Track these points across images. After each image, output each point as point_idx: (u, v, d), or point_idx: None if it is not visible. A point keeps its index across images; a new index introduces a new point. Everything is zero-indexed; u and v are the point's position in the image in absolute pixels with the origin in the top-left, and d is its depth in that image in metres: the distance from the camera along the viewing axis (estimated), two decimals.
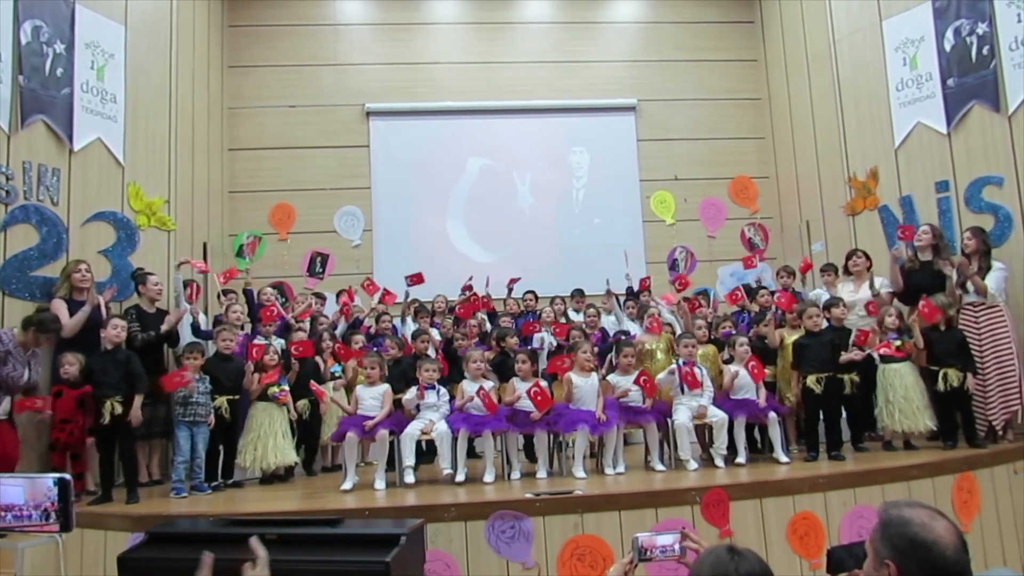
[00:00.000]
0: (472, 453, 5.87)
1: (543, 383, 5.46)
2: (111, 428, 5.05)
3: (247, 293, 6.97)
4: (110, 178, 6.31)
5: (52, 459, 5.25)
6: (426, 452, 5.92)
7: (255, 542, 2.24)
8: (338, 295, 7.50)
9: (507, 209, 9.39)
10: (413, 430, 5.29)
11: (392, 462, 5.35)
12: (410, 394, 5.47)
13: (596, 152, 9.58)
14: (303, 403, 6.01)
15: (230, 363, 5.71)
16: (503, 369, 6.11)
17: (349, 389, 6.07)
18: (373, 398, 5.45)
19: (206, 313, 7.08)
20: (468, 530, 4.28)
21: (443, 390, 5.59)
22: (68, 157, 5.94)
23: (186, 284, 6.55)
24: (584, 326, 6.80)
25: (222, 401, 5.59)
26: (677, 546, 2.41)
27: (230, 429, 5.72)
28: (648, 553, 2.41)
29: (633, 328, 7.05)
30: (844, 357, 5.73)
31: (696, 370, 5.64)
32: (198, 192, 7.81)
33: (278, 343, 6.26)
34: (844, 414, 5.93)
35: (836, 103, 8.09)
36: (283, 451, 5.70)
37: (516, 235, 9.33)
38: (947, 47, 6.92)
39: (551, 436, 5.46)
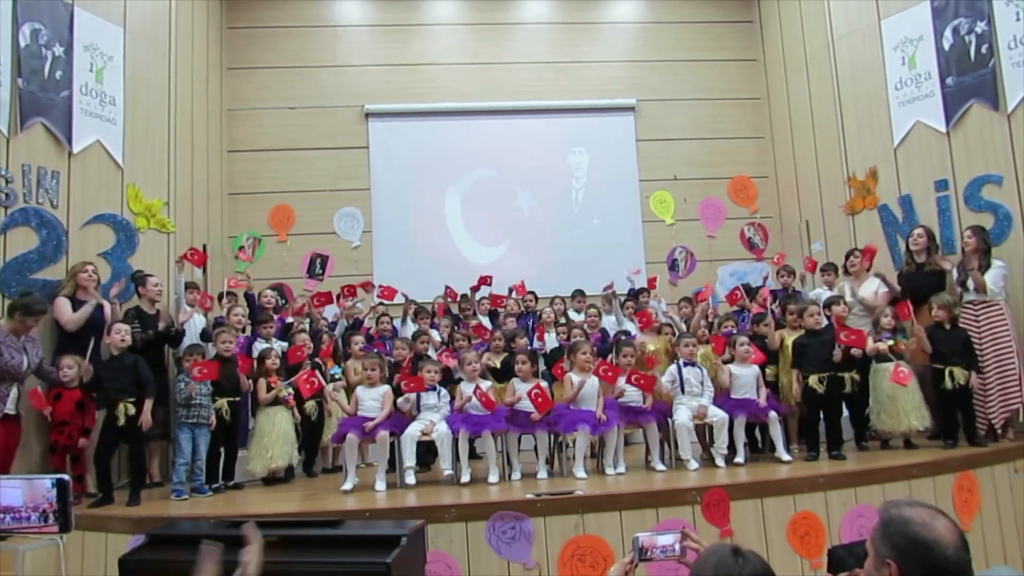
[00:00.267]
0: (472, 454, 5.87)
1: (543, 384, 5.46)
2: (121, 431, 5.07)
3: (248, 296, 6.98)
4: (109, 180, 6.31)
5: (51, 461, 5.26)
6: (426, 453, 5.91)
7: (250, 528, 2.24)
8: (338, 297, 7.50)
9: (506, 210, 9.39)
10: (413, 431, 5.29)
11: (393, 463, 5.35)
12: (403, 399, 5.49)
13: (595, 152, 9.58)
14: (311, 404, 6.02)
15: (230, 365, 5.70)
16: (511, 370, 6.08)
17: (349, 391, 6.07)
18: (373, 399, 5.45)
19: (206, 315, 7.07)
20: (469, 531, 4.28)
21: (443, 391, 5.60)
22: (67, 159, 5.94)
23: (188, 287, 6.55)
24: (585, 326, 6.81)
25: (222, 403, 5.59)
26: (677, 546, 2.41)
27: (230, 431, 5.74)
28: (648, 553, 2.41)
29: (633, 328, 7.05)
30: (836, 355, 5.72)
31: (696, 370, 5.65)
32: (197, 194, 7.81)
33: (279, 346, 6.26)
34: (846, 413, 5.93)
35: (835, 102, 8.09)
36: (288, 452, 5.73)
37: (515, 235, 9.33)
38: (946, 46, 6.93)
39: (552, 436, 5.46)
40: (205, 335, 6.32)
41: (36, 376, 5.21)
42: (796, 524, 4.56)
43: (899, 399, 5.71)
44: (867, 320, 6.23)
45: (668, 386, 5.67)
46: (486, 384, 5.55)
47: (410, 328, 7.29)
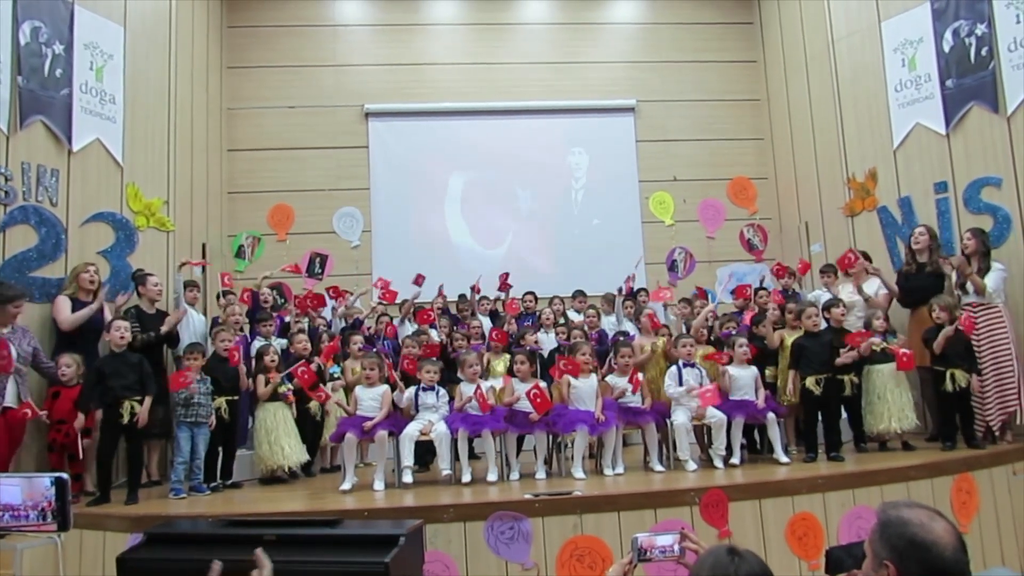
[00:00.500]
0: (471, 454, 5.87)
1: (542, 384, 5.46)
2: (122, 428, 5.06)
3: (253, 294, 6.97)
4: (109, 179, 6.31)
5: (49, 460, 5.26)
6: (425, 452, 5.90)
7: (261, 553, 2.24)
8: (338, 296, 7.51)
9: (506, 210, 9.39)
10: (412, 431, 5.29)
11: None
12: (403, 398, 5.49)
13: (595, 153, 9.57)
14: (315, 404, 6.03)
15: (228, 364, 5.70)
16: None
17: (348, 391, 6.07)
18: (372, 399, 5.45)
19: (205, 314, 7.08)
20: (467, 531, 4.28)
21: (442, 391, 5.60)
22: (67, 158, 5.94)
23: (187, 286, 6.55)
24: (585, 327, 6.82)
25: (221, 402, 5.59)
26: (676, 546, 2.41)
27: (229, 430, 5.74)
28: (647, 553, 2.41)
29: (632, 328, 7.06)
30: (839, 359, 5.73)
31: (695, 371, 5.66)
32: (197, 193, 7.80)
33: (278, 343, 6.26)
34: (845, 415, 5.93)
35: (835, 104, 8.09)
36: (296, 451, 5.75)
37: (515, 236, 9.33)
38: (946, 48, 6.93)
39: (550, 437, 5.46)
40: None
41: (33, 369, 5.20)
42: (794, 525, 4.57)
43: (888, 400, 5.73)
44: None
45: (678, 388, 5.64)
46: (486, 385, 5.55)
47: (408, 328, 7.28)
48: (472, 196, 9.37)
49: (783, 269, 7.27)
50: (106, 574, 4.34)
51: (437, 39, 9.55)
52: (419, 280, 7.77)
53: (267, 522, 4.04)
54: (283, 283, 7.71)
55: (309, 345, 6.20)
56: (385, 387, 5.54)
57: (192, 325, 6.38)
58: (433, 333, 7.02)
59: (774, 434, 5.59)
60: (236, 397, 5.74)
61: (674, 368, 5.73)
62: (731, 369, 5.74)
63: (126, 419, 5.02)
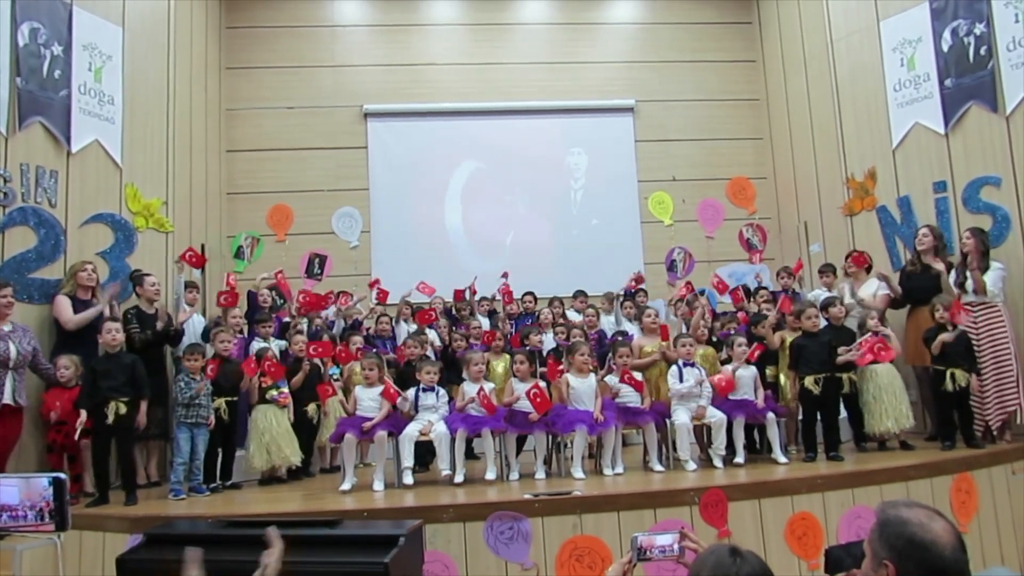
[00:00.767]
0: (471, 454, 5.87)
1: (542, 384, 5.46)
2: (110, 429, 5.04)
3: (251, 295, 6.97)
4: (108, 180, 6.31)
5: (49, 461, 5.26)
6: (425, 453, 5.90)
7: (272, 531, 2.25)
8: (337, 296, 7.51)
9: (505, 210, 9.38)
10: (412, 431, 5.29)
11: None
12: (403, 401, 5.49)
13: (594, 153, 9.57)
14: (313, 407, 6.02)
15: (228, 365, 5.70)
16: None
17: (347, 390, 6.06)
18: (372, 399, 5.44)
19: (205, 315, 7.08)
20: (467, 531, 4.28)
21: (442, 391, 5.60)
22: (66, 159, 5.94)
23: (187, 286, 6.55)
24: (584, 327, 6.81)
25: (220, 402, 5.59)
26: (676, 546, 2.41)
27: (228, 430, 5.74)
28: (647, 553, 2.41)
29: (631, 329, 7.05)
30: (841, 358, 5.73)
31: (695, 371, 5.66)
32: (196, 194, 7.80)
33: (277, 345, 6.26)
34: (844, 414, 5.93)
35: (834, 104, 8.10)
36: (290, 452, 5.72)
37: (514, 236, 9.32)
38: (945, 47, 6.93)
39: (550, 437, 5.46)
40: (206, 335, 6.31)
41: (31, 370, 5.19)
42: (794, 525, 4.57)
43: (884, 400, 5.73)
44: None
45: (683, 388, 5.64)
46: (490, 386, 5.54)
47: (404, 328, 7.28)
48: (471, 196, 9.36)
49: (799, 267, 7.31)
50: (105, 575, 4.33)
51: (436, 39, 9.54)
52: (427, 290, 7.87)
53: (266, 522, 4.02)
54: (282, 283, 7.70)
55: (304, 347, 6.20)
56: (384, 387, 5.53)
57: (192, 325, 6.38)
58: (432, 334, 7.02)
59: (773, 434, 5.59)
60: (236, 398, 5.73)
61: (674, 368, 5.73)
62: (729, 368, 5.74)
63: (110, 419, 4.99)
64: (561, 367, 5.68)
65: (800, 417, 5.97)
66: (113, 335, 5.22)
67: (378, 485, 5.15)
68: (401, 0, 9.52)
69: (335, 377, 6.37)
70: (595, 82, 9.64)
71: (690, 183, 9.41)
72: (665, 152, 9.58)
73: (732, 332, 6.16)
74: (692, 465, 5.40)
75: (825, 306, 6.07)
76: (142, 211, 6.54)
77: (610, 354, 5.94)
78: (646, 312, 6.51)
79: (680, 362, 5.72)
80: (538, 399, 5.26)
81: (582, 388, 5.46)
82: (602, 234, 9.35)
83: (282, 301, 7.19)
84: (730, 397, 5.66)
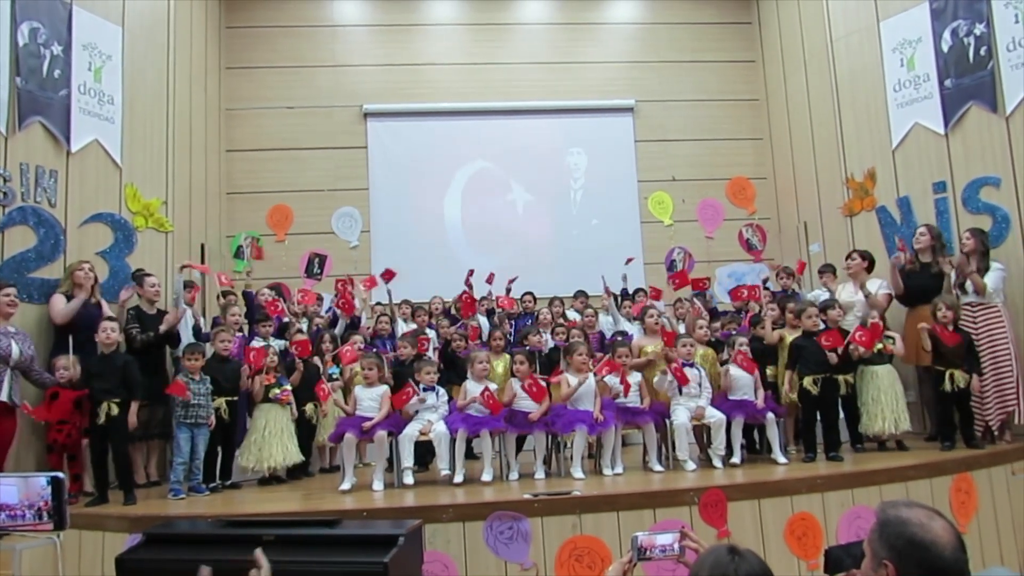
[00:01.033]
0: (470, 454, 5.87)
1: (540, 380, 5.47)
2: (106, 429, 5.03)
3: (247, 295, 6.97)
4: (108, 179, 6.31)
5: (49, 460, 5.26)
6: (425, 453, 5.90)
7: (259, 553, 2.24)
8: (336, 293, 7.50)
9: (505, 210, 9.38)
10: (411, 431, 5.29)
11: (391, 463, 5.35)
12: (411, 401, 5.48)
13: (594, 153, 9.57)
14: (310, 407, 6.02)
15: (228, 364, 5.70)
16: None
17: (347, 390, 6.06)
18: (371, 399, 5.44)
19: (204, 315, 7.07)
20: (466, 531, 4.28)
21: (442, 391, 5.60)
22: (66, 159, 5.94)
23: (187, 285, 6.54)
24: (584, 327, 6.81)
25: (220, 402, 5.58)
26: (676, 545, 2.40)
27: (228, 430, 5.73)
28: (647, 552, 2.41)
29: (630, 328, 7.05)
30: (833, 357, 5.73)
31: (694, 371, 5.65)
32: (195, 193, 7.80)
33: (277, 344, 6.25)
34: (842, 415, 5.93)
35: (834, 104, 8.10)
36: (289, 451, 5.71)
37: (514, 236, 9.32)
38: (944, 48, 6.93)
39: (549, 437, 5.46)
40: (197, 332, 6.31)
41: (24, 377, 5.17)
42: (793, 525, 4.57)
43: (882, 401, 5.73)
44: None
45: (662, 378, 5.66)
46: (493, 386, 5.53)
47: (402, 328, 7.26)
48: (471, 196, 9.36)
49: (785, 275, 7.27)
50: (105, 574, 4.33)
51: (436, 39, 9.54)
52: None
53: (266, 522, 4.04)
54: (282, 284, 7.69)
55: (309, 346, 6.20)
56: (384, 387, 5.52)
57: (187, 324, 6.36)
58: (431, 333, 7.01)
59: (773, 434, 5.59)
60: (235, 398, 5.73)
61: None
62: (731, 369, 5.74)
63: (102, 420, 4.98)
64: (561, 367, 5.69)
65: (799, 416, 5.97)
66: (108, 334, 5.20)
67: (378, 485, 5.15)
68: (401, 0, 9.52)
69: (335, 376, 6.36)
70: (595, 82, 9.64)
71: (690, 183, 9.41)
72: (665, 152, 9.59)
73: (733, 332, 6.16)
74: (691, 465, 5.40)
75: (823, 308, 6.06)
76: (142, 211, 6.54)
77: (609, 354, 5.93)
78: (648, 312, 6.50)
79: (680, 362, 5.72)
80: (534, 389, 5.25)
81: (582, 388, 5.45)
82: (602, 234, 9.35)
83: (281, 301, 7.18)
84: (730, 397, 5.66)
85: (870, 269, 6.70)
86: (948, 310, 5.74)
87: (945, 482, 4.98)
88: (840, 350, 5.70)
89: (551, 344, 6.73)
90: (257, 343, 6.24)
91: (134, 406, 5.13)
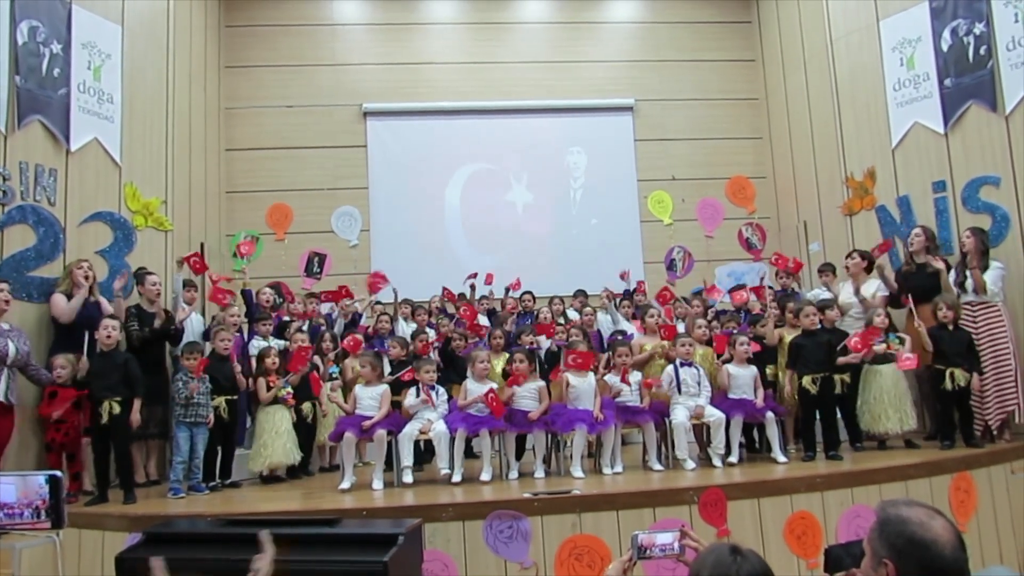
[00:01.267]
0: (469, 453, 5.87)
1: (541, 383, 5.46)
2: (107, 428, 5.02)
3: (246, 294, 6.97)
4: (107, 178, 6.31)
5: (48, 459, 5.25)
6: (425, 452, 5.90)
7: (265, 535, 2.24)
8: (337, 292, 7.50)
9: (504, 209, 9.38)
10: (411, 430, 5.29)
11: (390, 462, 5.35)
12: (411, 399, 5.46)
13: (593, 152, 9.57)
14: (308, 406, 6.02)
15: (227, 364, 5.70)
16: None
17: (347, 390, 6.06)
18: (371, 398, 5.44)
19: (203, 313, 7.07)
20: (466, 530, 4.28)
21: (441, 390, 5.59)
22: (65, 157, 5.94)
23: (186, 285, 6.54)
24: (583, 326, 6.80)
25: (220, 401, 5.59)
26: (676, 544, 2.40)
27: (228, 429, 5.74)
28: (647, 551, 2.41)
29: (630, 328, 7.05)
30: (840, 360, 5.72)
31: (693, 370, 5.65)
32: (195, 192, 7.79)
33: (277, 344, 6.25)
34: (838, 414, 5.93)
35: (833, 103, 8.10)
36: (289, 450, 5.73)
37: (513, 235, 9.32)
38: (944, 47, 6.93)
39: (549, 436, 5.46)
40: (206, 334, 6.32)
41: (22, 373, 5.17)
42: (793, 524, 4.57)
43: (885, 401, 5.73)
44: (862, 322, 6.22)
45: (666, 386, 5.67)
46: (496, 387, 5.52)
47: (402, 327, 7.26)
48: (470, 195, 9.36)
49: (782, 260, 7.24)
50: (105, 574, 4.32)
51: (435, 38, 9.54)
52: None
53: (266, 521, 4.02)
54: (282, 283, 7.69)
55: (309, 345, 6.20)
56: (384, 387, 5.52)
57: (191, 324, 6.37)
58: (431, 333, 7.01)
59: (772, 433, 5.58)
60: (235, 397, 5.73)
61: (670, 367, 5.73)
62: (730, 368, 5.75)
63: (104, 419, 4.98)
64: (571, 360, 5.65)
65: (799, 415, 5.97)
66: (108, 332, 5.19)
67: (377, 484, 5.15)
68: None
69: (335, 376, 6.36)
70: (594, 81, 9.64)
71: (689, 182, 9.41)
72: (664, 151, 9.59)
73: (733, 331, 6.16)
74: (691, 464, 5.40)
75: (821, 308, 6.05)
76: (141, 210, 6.53)
77: (609, 353, 5.93)
78: (648, 312, 6.50)
79: (678, 361, 5.72)
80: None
81: (581, 387, 5.45)
82: (602, 233, 9.35)
83: (281, 300, 7.18)
84: (729, 396, 5.66)
85: (869, 269, 6.70)
86: (948, 309, 5.74)
87: (945, 481, 4.98)
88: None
89: (547, 344, 6.71)
90: (257, 342, 6.25)
91: (136, 404, 5.12)
